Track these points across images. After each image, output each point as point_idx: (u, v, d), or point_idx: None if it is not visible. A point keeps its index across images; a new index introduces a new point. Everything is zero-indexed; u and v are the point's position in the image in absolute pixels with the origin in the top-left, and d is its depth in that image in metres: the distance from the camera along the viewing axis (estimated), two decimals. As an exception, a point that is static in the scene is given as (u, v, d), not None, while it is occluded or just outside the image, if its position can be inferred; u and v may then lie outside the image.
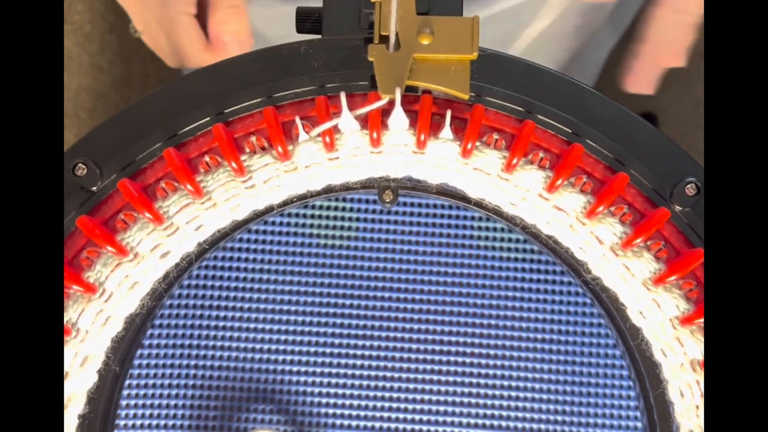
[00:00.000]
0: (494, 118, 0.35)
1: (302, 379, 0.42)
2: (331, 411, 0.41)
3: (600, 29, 0.78)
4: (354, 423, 0.41)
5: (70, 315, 0.34)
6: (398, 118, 0.34)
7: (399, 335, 0.42)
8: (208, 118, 0.35)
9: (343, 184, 0.35)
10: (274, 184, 0.35)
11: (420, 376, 0.42)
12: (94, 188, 0.35)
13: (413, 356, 0.42)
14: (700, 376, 0.34)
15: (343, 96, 0.33)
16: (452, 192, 0.35)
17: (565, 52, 0.73)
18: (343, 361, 0.42)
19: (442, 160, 0.35)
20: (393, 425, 0.41)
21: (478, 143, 0.34)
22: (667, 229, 0.35)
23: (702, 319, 0.34)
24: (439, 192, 0.36)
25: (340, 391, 0.41)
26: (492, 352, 0.42)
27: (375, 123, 0.34)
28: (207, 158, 0.35)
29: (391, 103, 0.33)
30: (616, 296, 0.35)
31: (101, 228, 0.34)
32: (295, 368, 0.42)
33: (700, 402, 0.34)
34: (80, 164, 0.34)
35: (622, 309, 0.34)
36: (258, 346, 0.42)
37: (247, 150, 0.35)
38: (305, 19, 0.39)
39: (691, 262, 0.33)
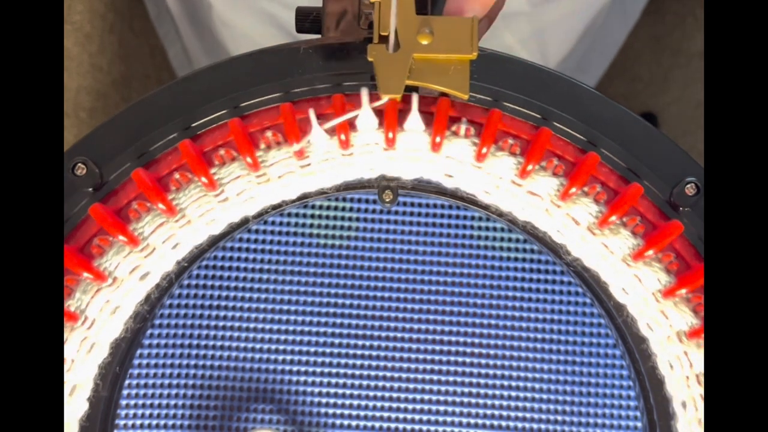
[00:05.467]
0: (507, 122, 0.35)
1: (302, 379, 0.42)
2: (331, 411, 0.41)
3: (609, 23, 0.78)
4: (354, 423, 0.41)
5: (77, 304, 0.34)
6: (366, 118, 0.34)
7: (399, 335, 0.42)
8: (175, 135, 0.35)
9: (318, 190, 0.35)
10: (263, 190, 0.35)
11: (420, 376, 0.42)
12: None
13: (413, 356, 0.42)
14: (700, 388, 0.34)
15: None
16: (452, 192, 0.35)
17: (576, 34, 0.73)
18: (343, 361, 0.42)
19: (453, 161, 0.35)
20: (393, 425, 0.41)
21: (493, 148, 0.35)
22: (643, 204, 0.35)
23: (683, 291, 0.34)
24: (440, 192, 0.36)
25: (340, 391, 0.41)
26: (492, 352, 0.42)
27: (343, 127, 0.34)
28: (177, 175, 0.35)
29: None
30: (597, 276, 0.35)
31: (113, 216, 0.34)
32: (295, 368, 0.42)
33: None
34: (80, 164, 0.34)
35: (605, 287, 0.35)
36: (258, 346, 0.42)
37: (257, 152, 0.35)
38: (304, 19, 0.39)
39: (669, 234, 0.33)
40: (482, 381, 0.41)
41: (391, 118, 0.34)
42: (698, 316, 0.34)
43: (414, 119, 0.34)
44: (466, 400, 0.41)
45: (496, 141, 0.35)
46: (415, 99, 0.33)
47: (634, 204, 0.34)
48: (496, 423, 0.41)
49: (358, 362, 0.42)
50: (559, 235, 0.35)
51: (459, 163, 0.34)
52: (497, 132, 0.34)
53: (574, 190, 0.34)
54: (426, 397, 0.41)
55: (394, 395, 0.41)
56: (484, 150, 0.34)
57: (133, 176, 0.34)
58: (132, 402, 0.41)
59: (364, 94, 0.33)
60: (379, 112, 0.34)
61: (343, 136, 0.34)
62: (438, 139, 0.34)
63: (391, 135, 0.34)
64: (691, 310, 0.34)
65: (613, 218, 0.34)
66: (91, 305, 0.34)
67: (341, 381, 0.41)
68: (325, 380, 0.41)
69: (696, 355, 0.34)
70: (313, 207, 0.43)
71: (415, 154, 0.35)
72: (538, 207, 0.35)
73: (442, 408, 0.41)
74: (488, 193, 0.35)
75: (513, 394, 0.41)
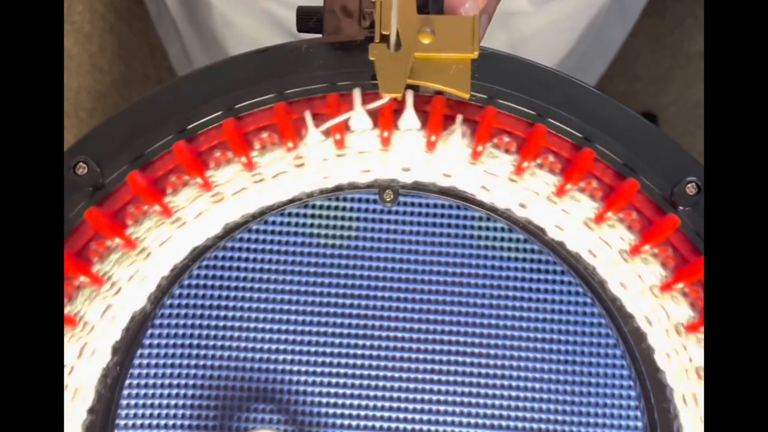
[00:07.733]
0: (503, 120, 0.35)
1: (302, 379, 0.42)
2: (331, 411, 0.41)
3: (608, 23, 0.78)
4: (354, 423, 0.41)
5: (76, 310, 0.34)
6: (410, 118, 0.34)
7: (399, 335, 0.42)
8: (170, 137, 0.35)
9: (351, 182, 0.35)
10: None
11: (420, 376, 0.42)
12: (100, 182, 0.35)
13: (413, 356, 0.42)
14: (700, 385, 0.34)
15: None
16: (453, 192, 0.35)
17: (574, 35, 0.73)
18: (343, 361, 0.42)
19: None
20: (393, 425, 0.41)
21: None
22: (639, 199, 0.35)
23: (680, 285, 0.34)
24: (440, 192, 0.36)
25: (340, 391, 0.41)
26: (492, 352, 0.42)
27: (386, 124, 0.34)
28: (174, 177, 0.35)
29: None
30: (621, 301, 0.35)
31: (109, 220, 0.34)
32: (295, 368, 0.42)
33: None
34: (81, 163, 0.34)
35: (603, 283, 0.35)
36: (258, 346, 0.42)
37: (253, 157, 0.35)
38: (306, 19, 0.39)
39: (666, 230, 0.33)
40: (482, 381, 0.41)
41: (437, 123, 0.34)
42: (695, 309, 0.34)
43: (457, 136, 0.34)
44: (466, 400, 0.41)
45: (537, 157, 0.35)
46: (459, 120, 0.33)
47: (668, 236, 0.34)
48: (496, 423, 0.41)
49: (359, 362, 0.42)
50: (592, 257, 0.35)
51: (495, 177, 0.34)
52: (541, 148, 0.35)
53: (610, 214, 0.34)
54: (426, 397, 0.41)
55: (395, 395, 0.41)
56: (525, 164, 0.34)
57: (129, 179, 0.34)
58: (132, 402, 0.41)
59: (409, 95, 0.33)
60: (423, 114, 0.34)
61: (386, 134, 0.34)
62: (480, 149, 0.34)
63: (434, 138, 0.34)
64: (688, 303, 0.34)
65: (646, 247, 0.34)
66: (90, 311, 0.34)
67: (341, 381, 0.41)
68: (326, 380, 0.41)
69: (695, 350, 0.34)
70: (313, 207, 0.43)
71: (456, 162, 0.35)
72: (570, 224, 0.35)
73: (442, 408, 0.41)
74: (524, 207, 0.35)
75: (513, 394, 0.41)
